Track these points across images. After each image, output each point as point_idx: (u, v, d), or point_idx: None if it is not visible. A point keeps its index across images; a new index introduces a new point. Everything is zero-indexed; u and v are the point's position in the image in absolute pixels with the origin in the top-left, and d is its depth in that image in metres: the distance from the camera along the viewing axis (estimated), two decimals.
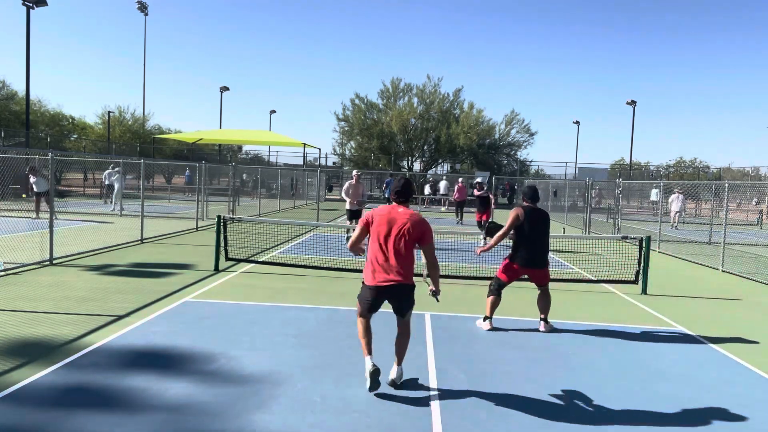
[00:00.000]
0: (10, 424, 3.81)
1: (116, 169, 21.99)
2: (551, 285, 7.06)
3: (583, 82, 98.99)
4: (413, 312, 4.64)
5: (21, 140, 30.17)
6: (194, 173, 22.27)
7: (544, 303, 6.74)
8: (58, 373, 4.71)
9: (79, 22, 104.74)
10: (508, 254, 6.77)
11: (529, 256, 6.54)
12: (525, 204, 6.80)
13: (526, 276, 6.74)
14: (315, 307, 7.34)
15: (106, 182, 23.09)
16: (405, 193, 4.84)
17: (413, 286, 4.72)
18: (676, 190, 23.26)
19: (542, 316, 6.72)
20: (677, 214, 22.85)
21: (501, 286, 6.72)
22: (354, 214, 13.53)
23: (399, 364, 4.80)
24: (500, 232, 6.68)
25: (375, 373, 4.47)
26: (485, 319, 6.75)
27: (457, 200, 21.60)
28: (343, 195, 13.97)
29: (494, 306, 6.70)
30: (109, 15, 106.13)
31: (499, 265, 6.92)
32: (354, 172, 14.12)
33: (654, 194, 31.95)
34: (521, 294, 8.44)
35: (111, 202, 21.43)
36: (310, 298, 7.82)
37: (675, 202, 22.77)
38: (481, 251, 6.88)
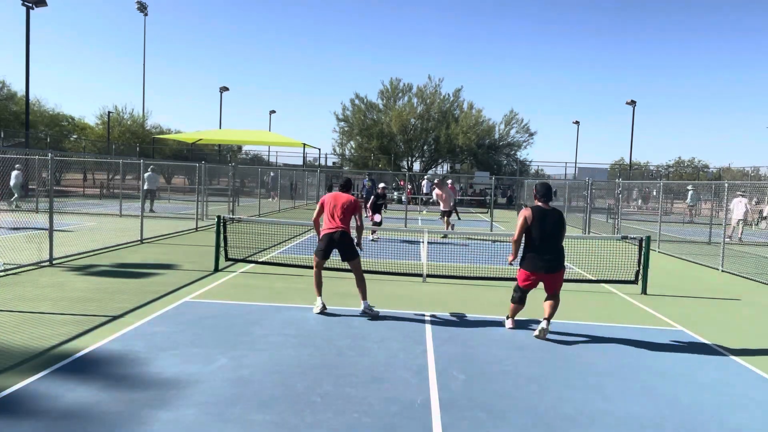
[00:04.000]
0: (10, 424, 3.80)
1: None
2: None
3: (583, 82, 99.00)
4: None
5: (21, 140, 30.16)
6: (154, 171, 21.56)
7: (552, 306, 6.36)
8: (57, 374, 4.70)
9: (79, 23, 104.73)
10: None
11: (539, 260, 6.19)
12: (536, 203, 6.39)
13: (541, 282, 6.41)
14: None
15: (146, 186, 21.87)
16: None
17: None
18: (739, 193, 18.81)
19: (546, 316, 6.36)
20: (740, 221, 18.39)
21: (522, 292, 6.52)
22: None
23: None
24: (514, 238, 6.41)
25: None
26: (507, 317, 6.83)
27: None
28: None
29: (516, 311, 6.71)
30: (108, 15, 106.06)
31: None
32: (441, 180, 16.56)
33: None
34: None
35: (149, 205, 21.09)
36: (310, 298, 7.81)
37: (737, 207, 18.30)
38: (511, 260, 6.55)
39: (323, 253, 7.00)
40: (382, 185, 15.83)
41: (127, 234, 13.47)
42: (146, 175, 19.74)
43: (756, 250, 15.99)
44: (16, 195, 20.39)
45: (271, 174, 29.06)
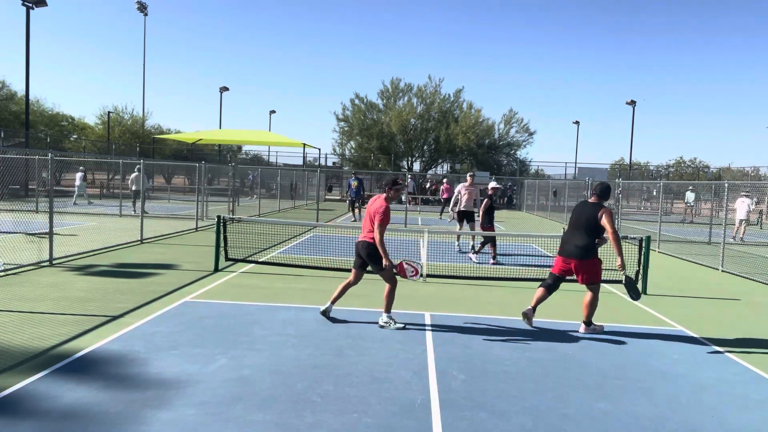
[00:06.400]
0: (10, 424, 3.80)
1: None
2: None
3: (583, 82, 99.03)
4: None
5: (21, 140, 30.16)
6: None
7: (587, 303, 6.56)
8: (57, 374, 4.70)
9: (79, 23, 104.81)
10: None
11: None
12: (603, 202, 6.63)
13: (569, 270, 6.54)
14: (315, 307, 7.31)
15: (134, 187, 20.85)
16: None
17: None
18: (743, 193, 19.41)
19: (583, 318, 6.65)
20: (742, 221, 18.75)
21: (556, 279, 6.69)
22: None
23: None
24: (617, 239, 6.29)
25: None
26: (530, 309, 6.73)
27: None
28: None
29: (540, 299, 6.71)
30: (108, 15, 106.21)
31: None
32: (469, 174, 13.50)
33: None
34: (520, 294, 8.43)
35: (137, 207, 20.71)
36: (310, 298, 7.81)
37: (740, 207, 18.70)
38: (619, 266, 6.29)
39: (355, 263, 6.59)
40: (492, 184, 12.04)
41: (127, 234, 13.47)
42: (133, 176, 20.24)
43: (756, 250, 15.99)
44: (77, 194, 22.31)
45: (251, 174, 29.11)
